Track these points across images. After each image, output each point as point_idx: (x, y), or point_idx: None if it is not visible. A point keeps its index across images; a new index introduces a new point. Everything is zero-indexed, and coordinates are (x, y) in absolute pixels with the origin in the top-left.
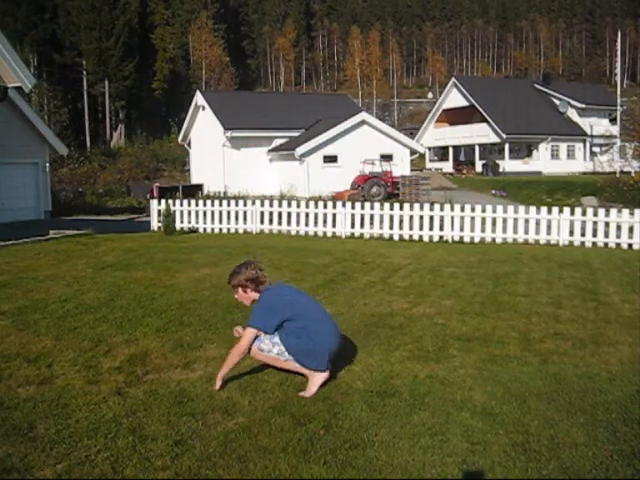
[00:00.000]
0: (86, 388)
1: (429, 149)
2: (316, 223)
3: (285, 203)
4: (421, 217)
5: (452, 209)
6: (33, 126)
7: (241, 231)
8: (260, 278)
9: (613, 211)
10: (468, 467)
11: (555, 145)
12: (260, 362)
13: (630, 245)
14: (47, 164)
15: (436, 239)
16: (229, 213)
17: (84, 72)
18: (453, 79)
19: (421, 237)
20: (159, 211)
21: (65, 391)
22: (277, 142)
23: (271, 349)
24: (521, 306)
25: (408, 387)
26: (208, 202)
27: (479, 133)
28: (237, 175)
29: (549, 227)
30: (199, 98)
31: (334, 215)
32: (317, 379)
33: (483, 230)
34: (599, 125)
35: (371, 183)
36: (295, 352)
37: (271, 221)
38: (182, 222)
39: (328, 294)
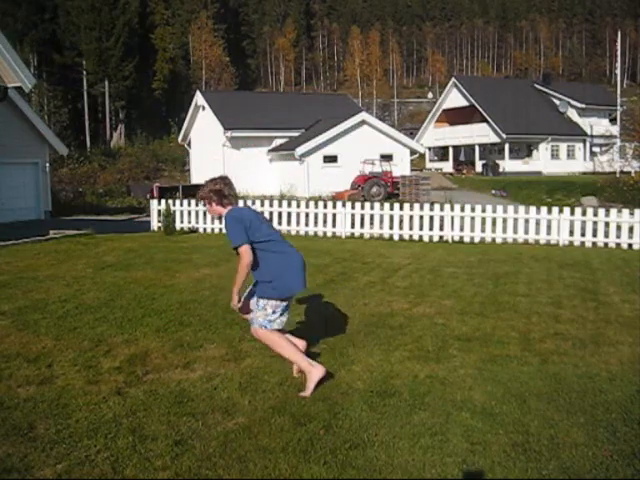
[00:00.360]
0: (86, 388)
1: (429, 149)
2: (316, 223)
3: (285, 203)
4: (421, 217)
5: (452, 209)
6: (33, 126)
7: None
8: (223, 191)
9: (613, 211)
10: (468, 467)
11: (555, 145)
12: (263, 344)
13: (630, 245)
14: (47, 164)
15: (436, 239)
16: None
17: (84, 72)
18: (453, 79)
19: (421, 237)
20: (159, 211)
21: (65, 391)
22: (277, 142)
23: (267, 315)
24: (521, 306)
25: (408, 387)
26: None
27: (479, 133)
28: (237, 175)
29: (549, 227)
30: (199, 98)
31: (334, 215)
32: (314, 375)
33: (483, 230)
34: (599, 125)
35: (371, 183)
36: (281, 292)
37: (271, 221)
38: (182, 222)
39: (328, 294)
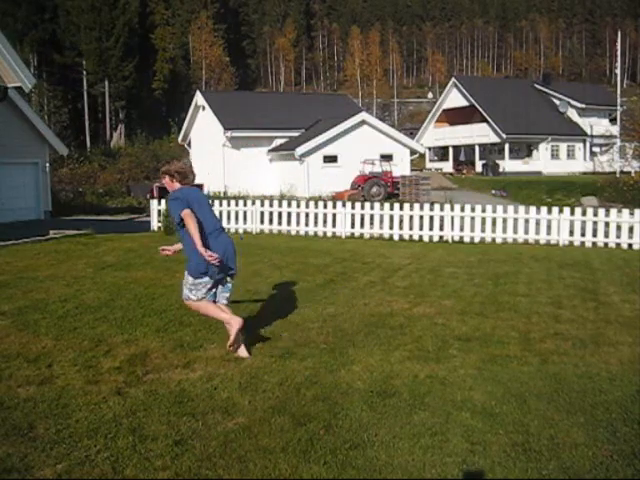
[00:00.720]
0: (86, 388)
1: (429, 149)
2: (316, 223)
3: (285, 203)
4: (421, 217)
5: (452, 209)
6: (33, 126)
7: (241, 231)
8: (186, 173)
9: (613, 211)
10: (468, 467)
11: (555, 145)
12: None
13: (630, 245)
14: (47, 164)
15: (436, 239)
16: (229, 213)
17: (84, 72)
18: (453, 79)
19: (421, 237)
20: (159, 211)
21: (65, 391)
22: (277, 142)
23: (190, 289)
24: (521, 306)
25: (408, 387)
26: None
27: (479, 133)
28: (237, 175)
29: (549, 227)
30: (199, 98)
31: (334, 215)
32: (234, 325)
33: (483, 230)
34: (599, 125)
35: (371, 183)
36: (194, 271)
37: (271, 221)
38: None
39: (328, 294)
